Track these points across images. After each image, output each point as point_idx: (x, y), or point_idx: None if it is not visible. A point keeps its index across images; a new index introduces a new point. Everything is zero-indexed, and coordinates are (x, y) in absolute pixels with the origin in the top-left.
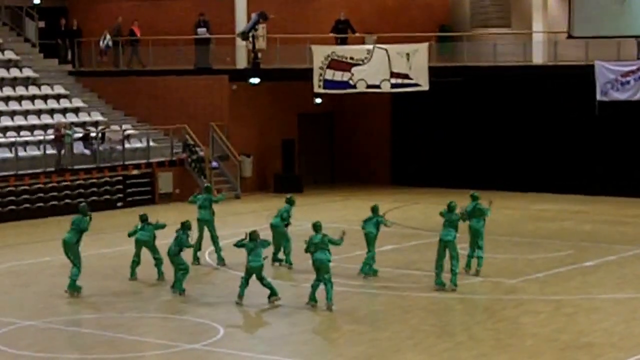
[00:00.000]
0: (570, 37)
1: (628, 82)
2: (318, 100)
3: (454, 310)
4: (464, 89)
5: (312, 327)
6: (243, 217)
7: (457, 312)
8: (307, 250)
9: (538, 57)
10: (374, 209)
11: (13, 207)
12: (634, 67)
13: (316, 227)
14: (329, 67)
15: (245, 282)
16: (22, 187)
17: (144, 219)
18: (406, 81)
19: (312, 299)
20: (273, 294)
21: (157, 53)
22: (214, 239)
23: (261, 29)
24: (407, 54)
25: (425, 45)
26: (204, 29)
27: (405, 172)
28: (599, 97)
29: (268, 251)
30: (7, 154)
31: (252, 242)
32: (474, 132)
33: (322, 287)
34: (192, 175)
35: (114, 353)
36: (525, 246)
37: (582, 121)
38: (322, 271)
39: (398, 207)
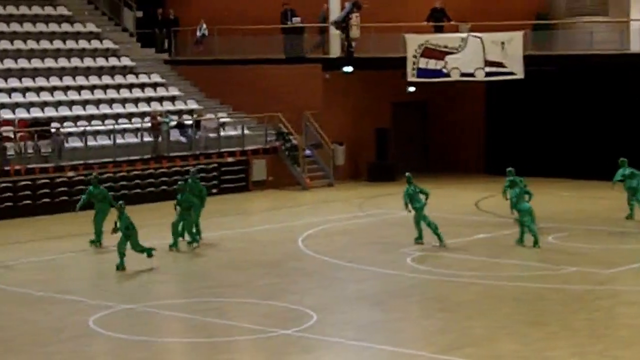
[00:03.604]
0: None
1: None
2: (411, 89)
3: (547, 300)
4: (559, 77)
5: (404, 314)
6: (336, 205)
7: (551, 302)
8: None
9: (636, 46)
10: None
11: (111, 193)
12: None
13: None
14: (422, 55)
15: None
16: (120, 174)
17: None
18: (501, 69)
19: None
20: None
21: (250, 42)
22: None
23: (355, 17)
24: (502, 43)
25: (520, 33)
26: (298, 19)
27: (499, 161)
28: None
29: None
30: (105, 141)
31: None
32: (568, 121)
33: None
34: (286, 163)
35: (206, 337)
36: (619, 236)
37: None
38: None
39: (491, 196)
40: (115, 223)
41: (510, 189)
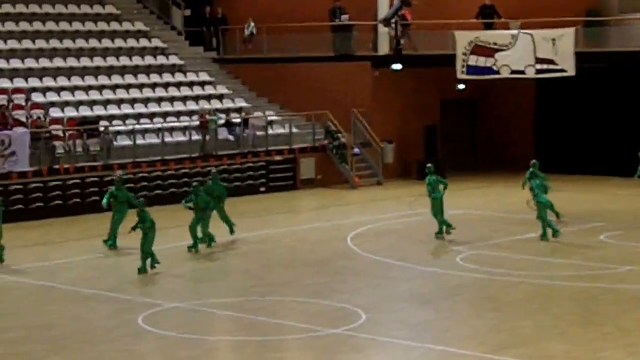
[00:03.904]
0: None
1: None
2: (461, 86)
3: (600, 299)
4: (611, 74)
5: (454, 313)
6: (385, 204)
7: (604, 302)
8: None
9: None
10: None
11: (159, 191)
12: None
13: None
14: (472, 52)
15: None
16: (168, 172)
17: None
18: (551, 67)
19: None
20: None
21: (298, 40)
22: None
23: (403, 15)
24: (553, 39)
25: (571, 30)
26: (346, 16)
27: (550, 159)
28: None
29: None
30: (154, 140)
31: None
32: (621, 120)
33: None
34: (334, 161)
35: (255, 336)
36: None
37: None
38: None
39: None
40: (137, 222)
41: (530, 181)
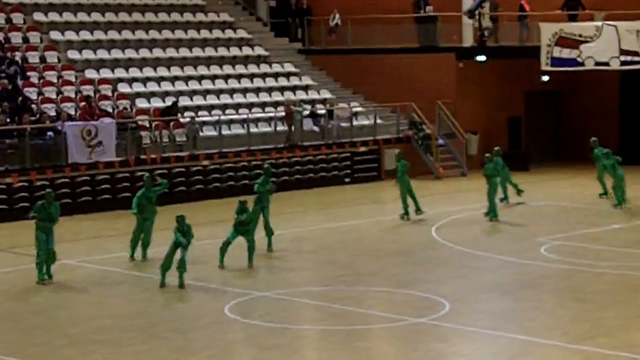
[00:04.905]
0: None
1: None
2: (545, 78)
3: None
4: None
5: (537, 304)
6: (469, 194)
7: None
8: None
9: None
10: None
11: (246, 181)
12: None
13: None
14: (556, 44)
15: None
16: (254, 163)
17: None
18: (636, 58)
19: None
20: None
21: (383, 31)
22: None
23: (488, 6)
24: (637, 31)
25: None
26: (430, 7)
27: (635, 151)
28: None
29: None
30: (239, 130)
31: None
32: None
33: None
34: (418, 152)
35: (342, 325)
36: None
37: None
38: None
39: (626, 186)
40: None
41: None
